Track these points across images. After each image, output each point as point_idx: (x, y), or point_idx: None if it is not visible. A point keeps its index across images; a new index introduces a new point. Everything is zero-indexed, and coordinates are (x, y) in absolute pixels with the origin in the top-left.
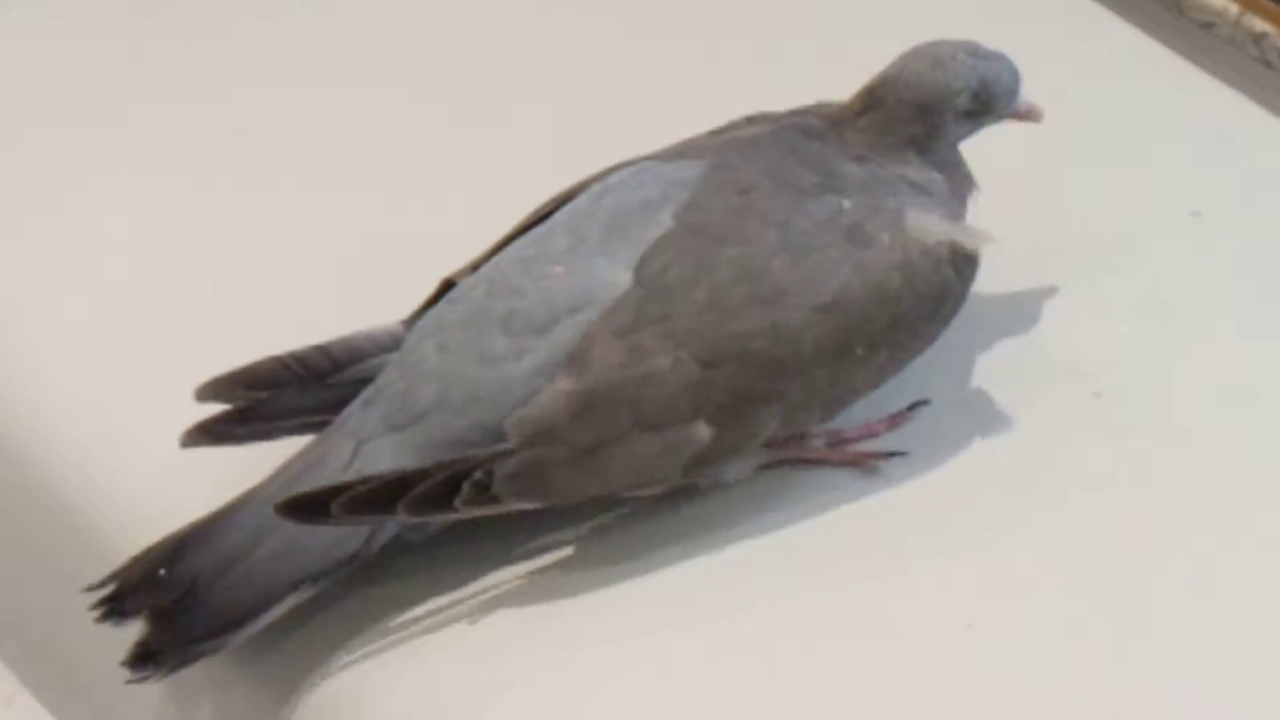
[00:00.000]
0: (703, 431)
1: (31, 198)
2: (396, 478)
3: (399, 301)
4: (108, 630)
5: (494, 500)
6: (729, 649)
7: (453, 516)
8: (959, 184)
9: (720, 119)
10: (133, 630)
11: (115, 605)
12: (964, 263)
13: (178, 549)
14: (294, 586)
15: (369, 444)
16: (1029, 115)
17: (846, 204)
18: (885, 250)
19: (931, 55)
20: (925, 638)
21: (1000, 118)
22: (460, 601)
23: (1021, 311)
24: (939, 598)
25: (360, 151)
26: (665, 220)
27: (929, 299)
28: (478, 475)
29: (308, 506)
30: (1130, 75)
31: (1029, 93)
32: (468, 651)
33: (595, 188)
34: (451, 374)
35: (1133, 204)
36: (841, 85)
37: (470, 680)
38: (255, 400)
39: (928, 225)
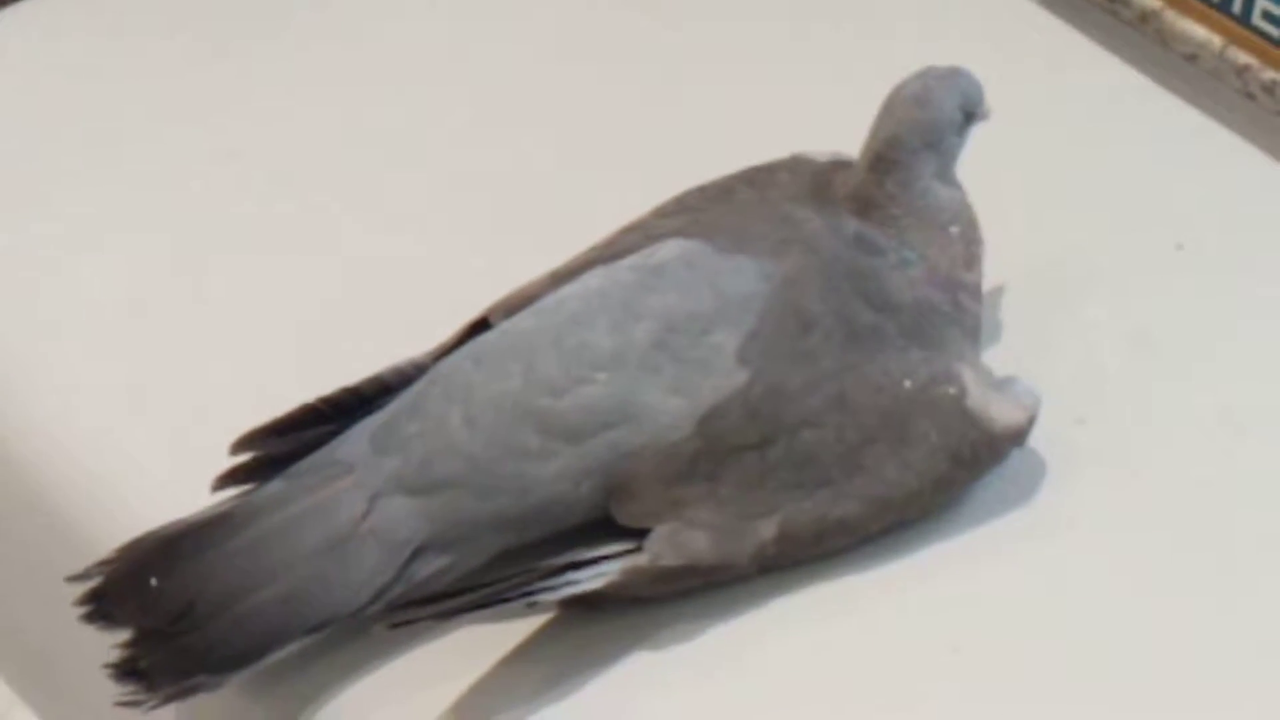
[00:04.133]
0: (753, 572)
1: (31, 208)
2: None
3: (406, 320)
4: (104, 640)
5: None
6: (712, 672)
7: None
8: (976, 245)
9: (733, 143)
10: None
11: (102, 606)
12: (1023, 439)
13: (168, 554)
14: (303, 633)
15: (383, 502)
16: (987, 115)
17: (908, 383)
18: (945, 446)
19: (913, 97)
20: (910, 661)
21: (976, 121)
22: (469, 638)
23: (1007, 340)
24: (924, 621)
25: (371, 177)
26: (727, 352)
27: (987, 473)
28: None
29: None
30: (1114, 107)
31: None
32: (478, 688)
33: (643, 266)
34: (478, 457)
35: (1117, 237)
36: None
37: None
38: (289, 446)
39: (984, 409)
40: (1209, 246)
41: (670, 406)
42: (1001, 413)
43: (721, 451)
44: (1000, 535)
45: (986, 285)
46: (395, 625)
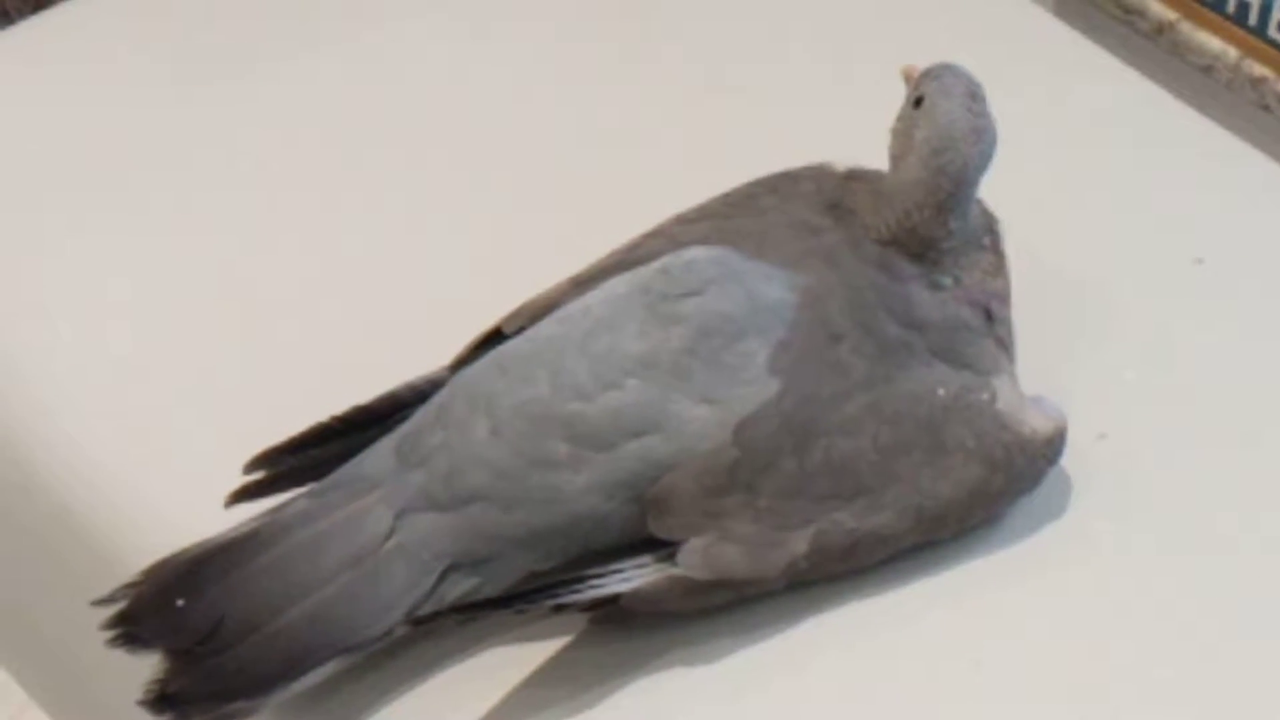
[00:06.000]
0: (783, 586)
1: (44, 227)
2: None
3: (418, 330)
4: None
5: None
6: (738, 688)
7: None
8: (999, 239)
9: (746, 148)
10: (148, 660)
11: (129, 629)
12: (1055, 451)
13: (194, 575)
14: (333, 653)
15: (410, 518)
16: None
17: (942, 391)
18: (980, 452)
19: (969, 131)
20: (932, 675)
21: None
22: (497, 659)
23: (1026, 356)
24: (946, 637)
25: (378, 183)
26: (758, 361)
27: (1027, 487)
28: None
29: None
30: (1130, 119)
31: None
32: (500, 712)
33: (672, 268)
34: (504, 467)
35: (1135, 251)
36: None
37: None
38: (302, 464)
39: (1017, 413)
40: (1228, 260)
41: (700, 415)
42: (1031, 419)
43: (759, 461)
44: (1023, 551)
45: None
46: (417, 622)
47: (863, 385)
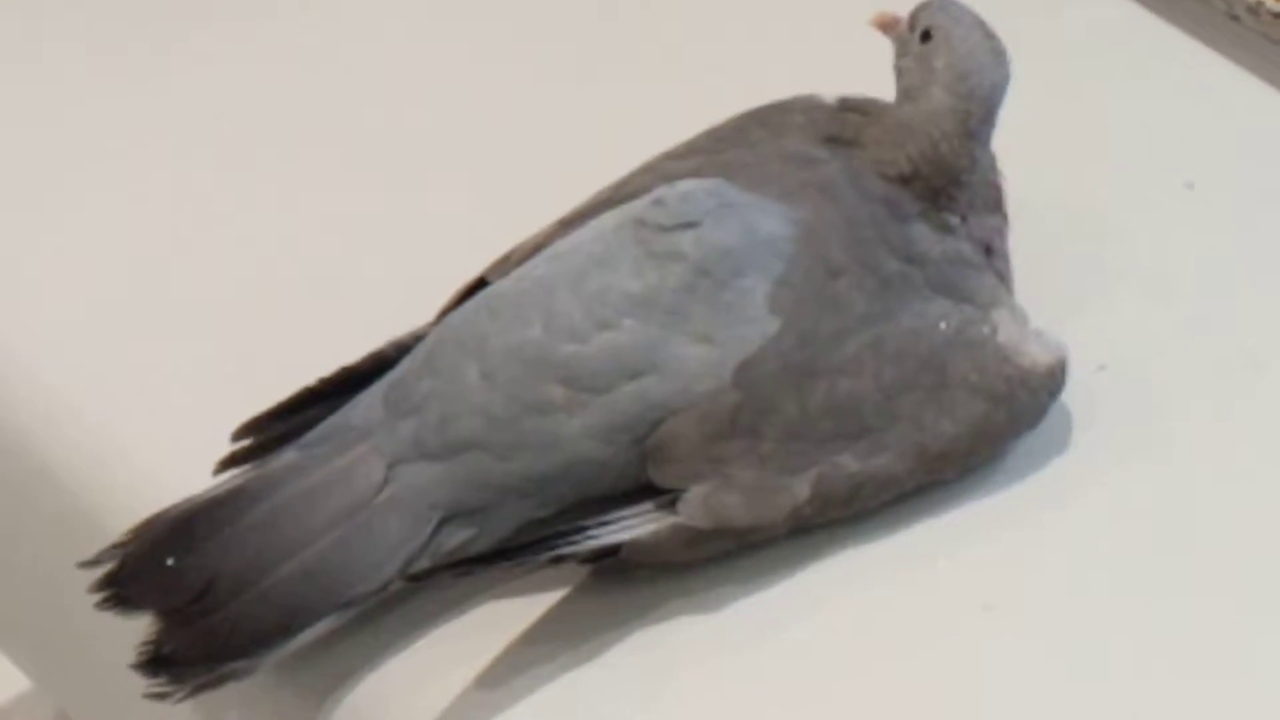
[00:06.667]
0: (786, 533)
1: (21, 194)
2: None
3: (403, 285)
4: (116, 622)
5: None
6: (742, 634)
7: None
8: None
9: (738, 91)
10: (140, 622)
11: (118, 591)
12: (1058, 383)
13: (183, 533)
14: (330, 608)
15: (403, 468)
16: None
17: (943, 325)
18: (983, 387)
19: (989, 53)
20: (941, 619)
21: None
22: (495, 614)
23: (1019, 288)
24: (954, 579)
25: (358, 149)
26: (757, 300)
27: (1030, 422)
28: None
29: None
30: (1115, 42)
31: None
32: (500, 667)
33: (668, 199)
34: (497, 413)
35: (1124, 177)
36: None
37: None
38: (291, 428)
39: (1019, 345)
40: (1218, 183)
41: (699, 355)
42: (1033, 351)
43: (761, 404)
44: (1028, 489)
45: None
46: (413, 578)
47: (863, 321)
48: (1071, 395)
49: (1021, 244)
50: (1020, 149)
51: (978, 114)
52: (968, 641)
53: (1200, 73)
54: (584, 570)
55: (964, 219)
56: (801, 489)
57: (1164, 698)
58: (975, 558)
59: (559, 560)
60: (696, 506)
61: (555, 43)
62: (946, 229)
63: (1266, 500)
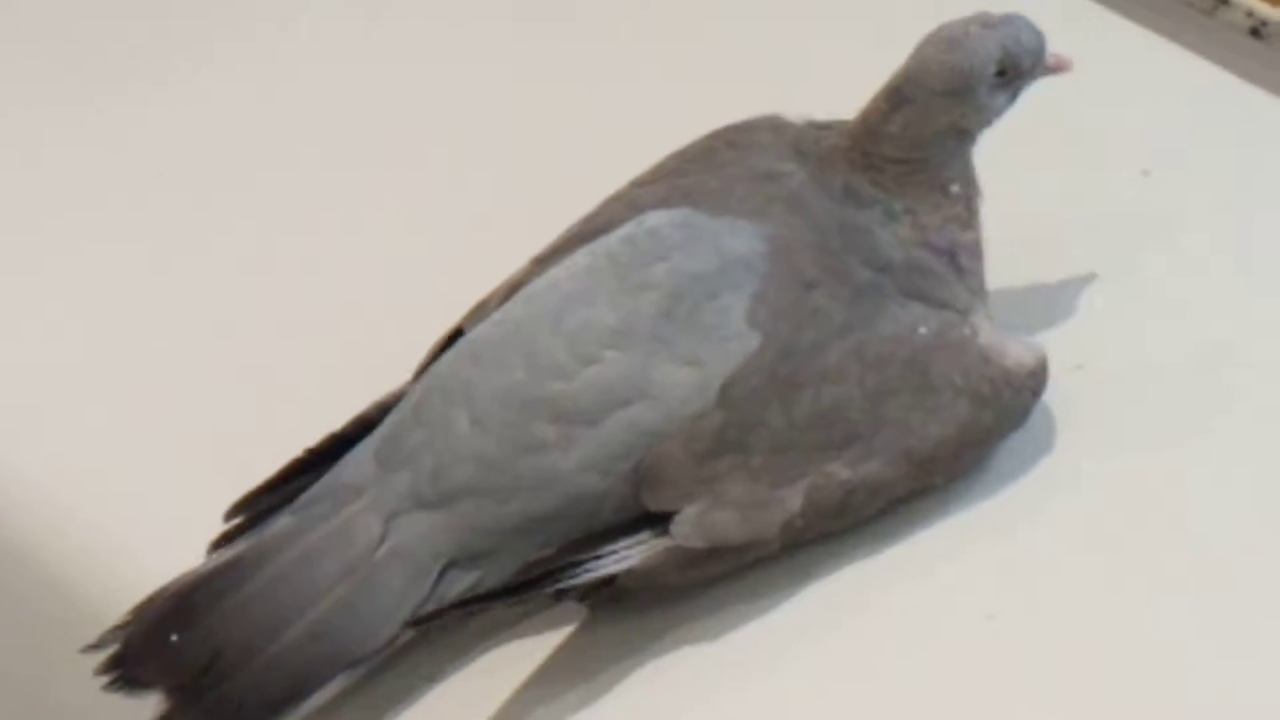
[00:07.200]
0: (778, 550)
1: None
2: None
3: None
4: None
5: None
6: (749, 658)
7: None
8: (976, 199)
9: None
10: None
11: (125, 672)
12: (1040, 383)
13: (184, 608)
14: (337, 669)
15: (400, 521)
16: (1060, 67)
17: (923, 330)
18: (968, 389)
19: (946, 39)
20: (945, 629)
21: (1035, 77)
22: (499, 659)
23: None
24: (956, 591)
25: (324, 206)
26: (736, 317)
27: (1015, 423)
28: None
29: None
30: (1071, 33)
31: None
32: (509, 711)
33: (636, 236)
34: (491, 457)
35: (1082, 167)
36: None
37: None
38: (282, 500)
39: (999, 348)
40: (1175, 170)
41: (684, 377)
42: (1014, 351)
43: (747, 419)
44: (1020, 495)
45: None
46: (415, 624)
47: (843, 330)
48: (1051, 397)
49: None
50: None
51: (897, 81)
52: (971, 652)
53: (1155, 60)
54: (585, 609)
55: (910, 212)
56: (793, 501)
57: (1164, 701)
58: (974, 568)
59: (561, 595)
60: (690, 526)
61: (516, 85)
62: (893, 217)
63: (1260, 487)
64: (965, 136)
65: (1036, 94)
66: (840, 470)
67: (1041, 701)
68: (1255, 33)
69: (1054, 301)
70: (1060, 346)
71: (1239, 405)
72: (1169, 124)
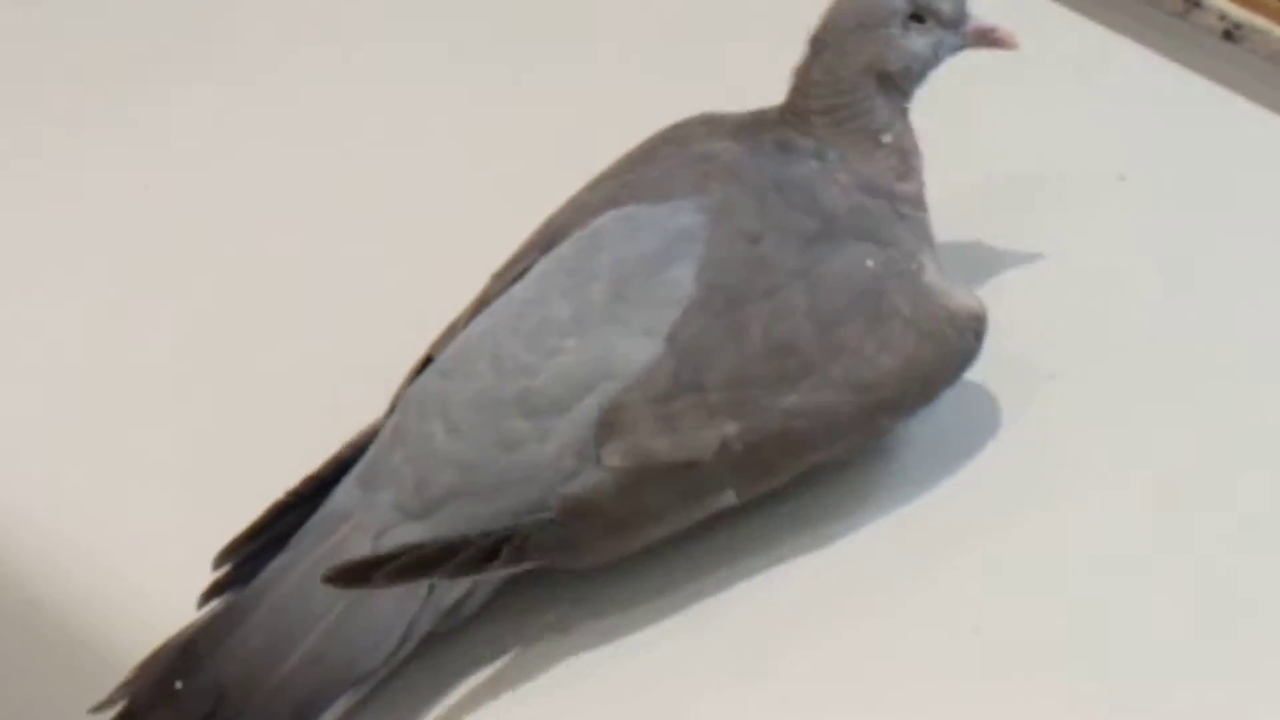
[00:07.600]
0: (730, 497)
1: None
2: (440, 547)
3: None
4: None
5: (527, 559)
6: (733, 651)
7: (488, 575)
8: (914, 156)
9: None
10: None
11: None
12: (982, 328)
13: (187, 656)
14: (341, 689)
15: (389, 535)
16: (999, 40)
17: (870, 263)
18: (915, 321)
19: None
20: (931, 641)
21: (961, 35)
22: (500, 675)
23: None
24: (943, 604)
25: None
26: (685, 282)
27: (957, 367)
28: (515, 541)
29: (353, 575)
30: (1046, 37)
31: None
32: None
33: (581, 237)
34: (470, 460)
35: (1057, 172)
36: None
37: None
38: (265, 543)
39: (944, 288)
40: (1150, 174)
41: (644, 346)
42: (958, 295)
43: (698, 359)
44: (1004, 506)
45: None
46: (342, 583)
47: (795, 274)
48: (1031, 406)
49: (952, 244)
50: (953, 140)
51: (816, 33)
52: (958, 664)
53: (1130, 65)
54: (575, 621)
55: (842, 158)
56: (731, 425)
57: (1154, 712)
58: (960, 580)
59: (516, 557)
60: (620, 449)
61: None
62: (824, 160)
63: (1241, 490)
64: (888, 82)
65: (1012, 99)
66: (796, 399)
67: (1028, 715)
68: (1228, 35)
69: (1030, 307)
70: (1037, 353)
71: (1220, 409)
72: (1144, 128)
